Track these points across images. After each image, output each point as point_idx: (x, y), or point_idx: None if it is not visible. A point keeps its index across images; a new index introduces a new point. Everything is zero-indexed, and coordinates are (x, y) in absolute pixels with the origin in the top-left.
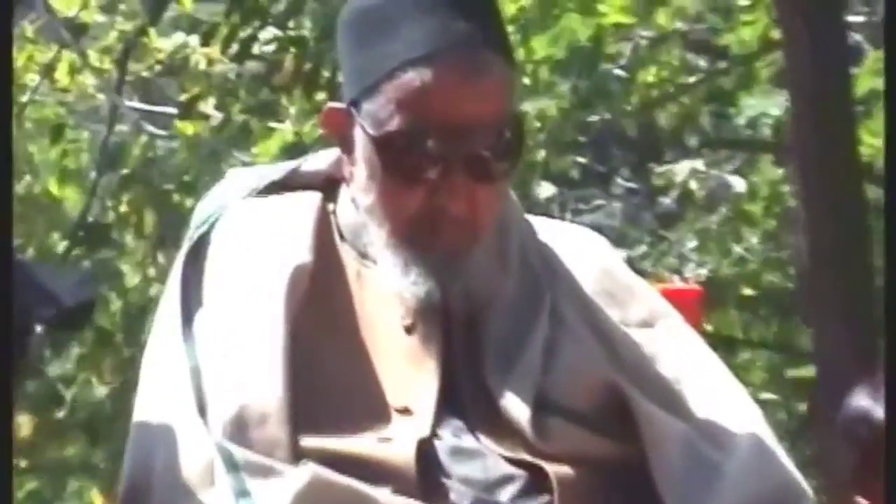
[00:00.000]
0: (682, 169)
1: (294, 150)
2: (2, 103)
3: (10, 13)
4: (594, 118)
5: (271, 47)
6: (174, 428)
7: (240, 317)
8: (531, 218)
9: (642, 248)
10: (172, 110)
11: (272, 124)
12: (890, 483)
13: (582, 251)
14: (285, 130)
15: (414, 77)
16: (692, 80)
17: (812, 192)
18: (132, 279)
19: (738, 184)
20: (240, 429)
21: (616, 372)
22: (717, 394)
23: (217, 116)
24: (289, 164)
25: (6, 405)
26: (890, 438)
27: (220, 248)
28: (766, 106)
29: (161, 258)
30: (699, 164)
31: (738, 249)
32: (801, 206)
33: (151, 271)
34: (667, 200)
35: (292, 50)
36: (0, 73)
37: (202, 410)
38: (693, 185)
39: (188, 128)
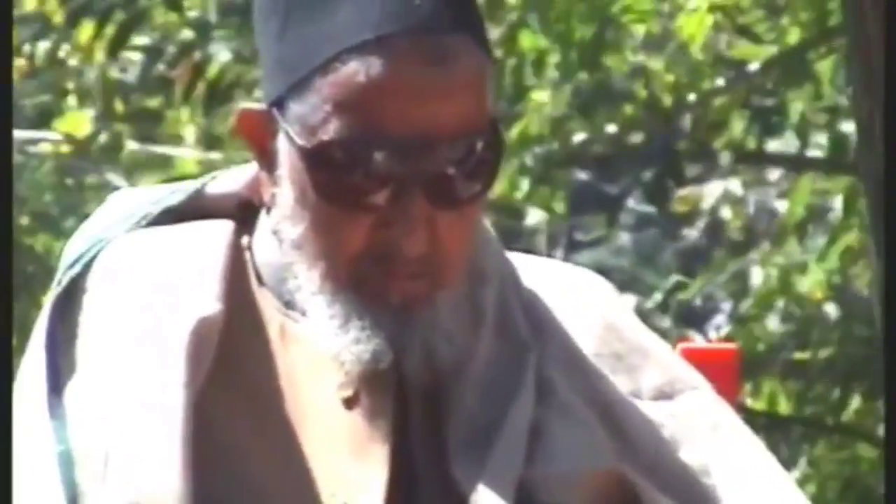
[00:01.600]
0: (711, 191)
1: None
2: (2, 103)
3: (9, 13)
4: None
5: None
6: None
7: (126, 386)
8: (513, 256)
9: (658, 297)
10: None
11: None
12: (890, 483)
13: (579, 300)
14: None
15: (357, 69)
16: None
17: (889, 225)
18: None
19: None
20: None
21: (624, 460)
22: (759, 489)
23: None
24: (190, 185)
25: (6, 405)
26: (890, 438)
27: (99, 296)
28: (822, 113)
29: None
30: (734, 185)
31: (783, 303)
32: (872, 241)
33: None
34: (692, 233)
35: (185, 35)
36: (0, 73)
37: None
38: (726, 212)
39: (59, 145)
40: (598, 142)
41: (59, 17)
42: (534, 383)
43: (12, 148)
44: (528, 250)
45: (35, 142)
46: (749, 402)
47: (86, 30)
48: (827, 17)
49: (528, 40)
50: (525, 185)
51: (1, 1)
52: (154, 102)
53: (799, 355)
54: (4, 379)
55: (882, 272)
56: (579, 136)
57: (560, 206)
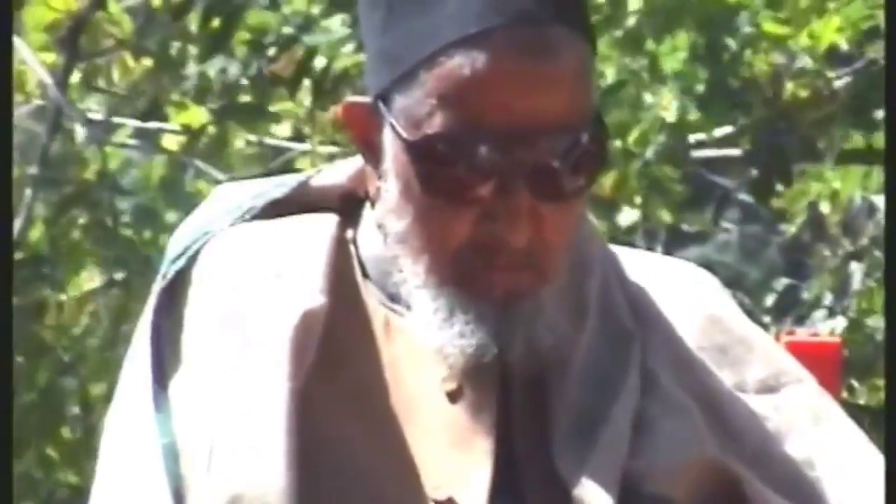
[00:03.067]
0: (811, 189)
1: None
2: (2, 103)
3: (9, 13)
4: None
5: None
6: None
7: (230, 379)
8: (616, 249)
9: (767, 294)
10: (135, 122)
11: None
12: (890, 482)
13: (684, 294)
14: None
15: (462, 62)
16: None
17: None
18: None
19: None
20: None
21: (728, 453)
22: (864, 482)
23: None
24: (294, 178)
25: (6, 405)
26: (890, 439)
27: (204, 289)
28: None
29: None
30: (833, 182)
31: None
32: None
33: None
34: (791, 229)
35: (286, 31)
36: (0, 73)
37: (179, 501)
38: (825, 208)
39: (173, 142)
40: (710, 144)
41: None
42: (638, 375)
43: (12, 147)
44: (629, 244)
45: (147, 133)
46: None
47: (191, 23)
48: None
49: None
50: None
51: (1, 1)
52: (257, 98)
53: None
54: (4, 379)
55: (885, 271)
56: (694, 138)
57: (666, 215)
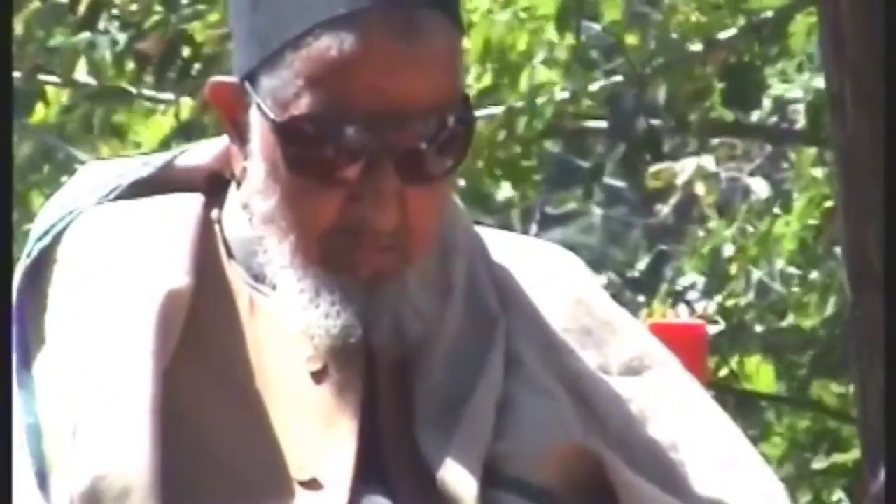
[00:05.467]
0: (685, 167)
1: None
2: (2, 102)
3: (9, 13)
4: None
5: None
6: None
7: (94, 358)
8: (482, 231)
9: (629, 273)
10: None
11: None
12: (890, 483)
13: (549, 275)
14: (159, 117)
15: (329, 44)
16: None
17: (856, 197)
18: None
19: (762, 188)
20: None
21: (591, 434)
22: (726, 464)
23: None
24: (160, 158)
25: (6, 405)
26: (890, 439)
27: (68, 268)
28: (800, 84)
29: None
30: (708, 161)
31: (760, 276)
32: (843, 216)
33: None
34: (664, 209)
35: (157, 9)
36: (0, 72)
37: (43, 481)
38: (700, 188)
39: (43, 113)
40: (575, 106)
41: None
42: (502, 357)
43: (12, 147)
44: (502, 225)
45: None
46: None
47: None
48: None
49: None
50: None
51: (1, 1)
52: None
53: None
54: (4, 379)
55: (885, 271)
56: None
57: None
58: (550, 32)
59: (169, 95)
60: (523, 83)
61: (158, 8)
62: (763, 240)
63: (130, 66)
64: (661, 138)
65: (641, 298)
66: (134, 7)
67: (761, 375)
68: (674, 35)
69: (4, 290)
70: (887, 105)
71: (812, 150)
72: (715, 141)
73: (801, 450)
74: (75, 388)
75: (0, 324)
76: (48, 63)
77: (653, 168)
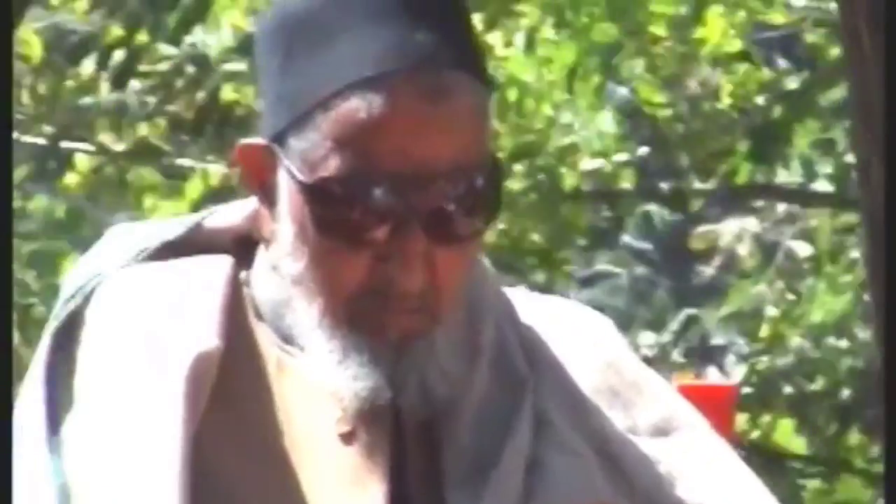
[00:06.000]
0: (728, 228)
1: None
2: (2, 102)
3: (9, 13)
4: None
5: (163, 66)
6: None
7: (124, 421)
8: (510, 292)
9: (656, 337)
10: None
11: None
12: (890, 480)
13: (577, 336)
14: (193, 179)
15: (358, 105)
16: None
17: (884, 259)
18: None
19: (803, 249)
20: None
21: (621, 496)
22: None
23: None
24: (189, 219)
25: (6, 405)
26: (890, 435)
27: (98, 330)
28: (824, 149)
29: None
30: (751, 223)
31: (795, 338)
32: (871, 280)
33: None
34: (708, 270)
35: (189, 70)
36: (0, 73)
37: None
38: (742, 249)
39: (73, 179)
40: (604, 173)
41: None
42: (531, 418)
43: (12, 148)
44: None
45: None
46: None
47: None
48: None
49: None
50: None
51: (1, 1)
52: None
53: (805, 388)
54: (4, 379)
55: (885, 270)
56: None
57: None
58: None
59: (195, 161)
60: (552, 145)
61: (190, 69)
62: (802, 303)
63: (159, 127)
64: (688, 198)
65: (677, 357)
66: (163, 67)
67: (790, 438)
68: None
69: (5, 290)
70: (887, 110)
71: (832, 214)
72: (758, 203)
73: None
74: (105, 451)
75: (1, 325)
76: (76, 123)
77: (697, 230)
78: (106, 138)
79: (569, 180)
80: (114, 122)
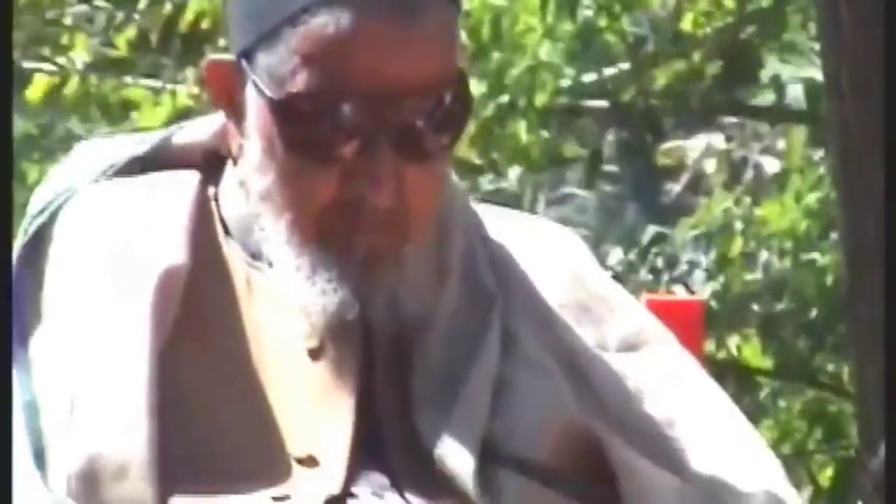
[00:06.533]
0: (696, 145)
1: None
2: (2, 102)
3: (9, 13)
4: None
5: None
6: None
7: (91, 336)
8: (480, 208)
9: (622, 254)
10: None
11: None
12: (890, 480)
13: (545, 251)
14: (159, 94)
15: (326, 21)
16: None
17: (853, 178)
18: None
19: (771, 165)
20: (90, 484)
21: (588, 410)
22: (723, 441)
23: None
24: (156, 136)
25: (6, 405)
26: (890, 437)
27: (65, 245)
28: (798, 66)
29: None
30: (718, 140)
31: (763, 253)
32: (841, 198)
33: None
34: (676, 187)
35: None
36: (0, 73)
37: (40, 459)
38: (709, 166)
39: (40, 86)
40: (578, 91)
41: None
42: (499, 335)
43: (12, 148)
44: (507, 205)
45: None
46: (721, 354)
47: None
48: None
49: None
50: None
51: (1, 2)
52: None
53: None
54: (4, 379)
55: (885, 270)
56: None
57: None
58: (549, 15)
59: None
60: (523, 62)
61: None
62: (764, 220)
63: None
64: (661, 120)
65: (643, 275)
66: None
67: (758, 356)
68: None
69: (5, 290)
70: (887, 101)
71: (803, 130)
72: (725, 120)
73: (798, 429)
74: (72, 365)
75: (1, 325)
76: (43, 36)
77: (663, 146)
78: (74, 53)
79: (539, 100)
80: (80, 37)
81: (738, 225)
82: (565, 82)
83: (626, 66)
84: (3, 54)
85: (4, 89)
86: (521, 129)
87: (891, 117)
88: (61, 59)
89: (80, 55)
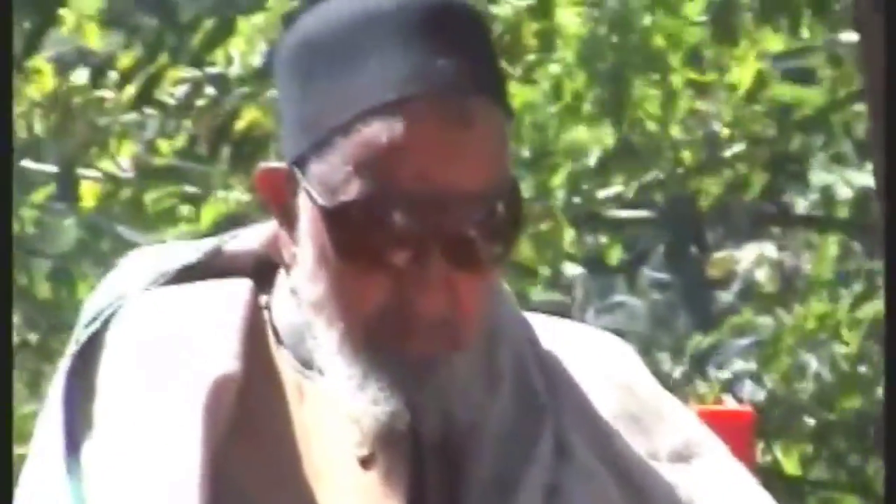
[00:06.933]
0: (746, 254)
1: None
2: (2, 102)
3: (9, 13)
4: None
5: (183, 89)
6: None
7: (143, 445)
8: (530, 317)
9: (671, 362)
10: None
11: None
12: (890, 481)
13: (597, 361)
14: (214, 200)
15: (379, 130)
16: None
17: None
18: None
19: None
20: None
21: None
22: None
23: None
24: (208, 243)
25: (6, 405)
26: (890, 437)
27: (117, 354)
28: (844, 175)
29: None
30: (769, 248)
31: (812, 363)
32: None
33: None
34: (727, 296)
35: (208, 92)
36: (0, 73)
37: None
38: (760, 275)
39: (90, 194)
40: (620, 200)
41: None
42: (551, 443)
43: (13, 148)
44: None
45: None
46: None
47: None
48: (850, 80)
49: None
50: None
51: (1, 2)
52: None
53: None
54: (4, 379)
55: (885, 269)
56: (603, 193)
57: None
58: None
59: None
60: (562, 174)
61: (209, 90)
62: (816, 330)
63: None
64: (703, 229)
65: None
66: (181, 90)
67: (798, 465)
68: (717, 129)
69: (5, 290)
70: (887, 108)
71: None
72: (775, 230)
73: None
74: (124, 475)
75: (0, 325)
76: (94, 142)
77: (715, 255)
78: (123, 161)
79: (585, 206)
80: (128, 145)
81: (789, 336)
82: (612, 191)
83: (667, 174)
84: (4, 54)
85: (4, 90)
86: (567, 233)
87: (891, 117)
88: (108, 165)
89: (126, 161)
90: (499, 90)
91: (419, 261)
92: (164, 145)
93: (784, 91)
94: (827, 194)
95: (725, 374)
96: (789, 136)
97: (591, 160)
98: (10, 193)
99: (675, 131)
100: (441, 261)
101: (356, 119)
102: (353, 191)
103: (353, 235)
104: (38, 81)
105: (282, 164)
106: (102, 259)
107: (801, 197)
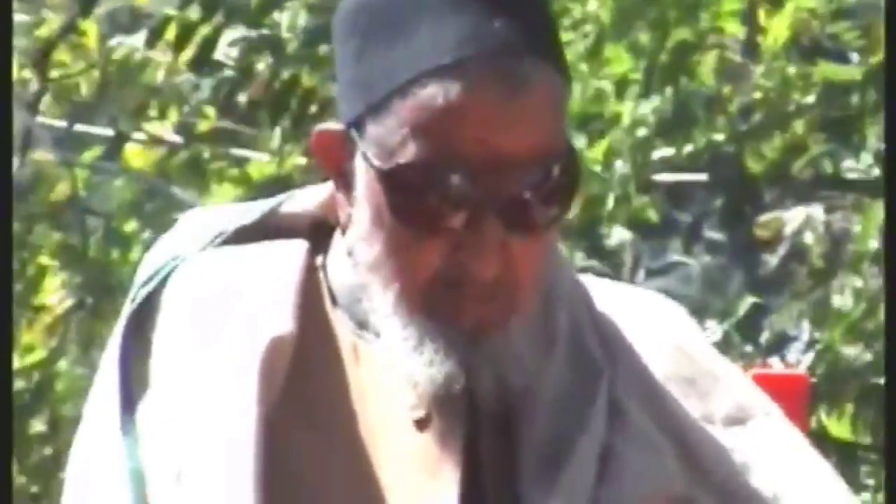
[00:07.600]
0: (794, 216)
1: (267, 190)
2: (2, 103)
3: (9, 13)
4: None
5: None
6: None
7: (198, 404)
8: (586, 279)
9: (727, 324)
10: (105, 131)
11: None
12: (890, 481)
13: (652, 324)
14: (258, 163)
15: (435, 92)
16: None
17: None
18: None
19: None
20: None
21: (695, 486)
22: None
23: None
24: (265, 204)
25: (6, 405)
26: (890, 438)
27: (173, 313)
28: None
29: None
30: (817, 211)
31: (868, 325)
32: None
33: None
34: (773, 259)
35: (265, 55)
36: (0, 73)
37: None
38: (808, 237)
39: (137, 156)
40: (675, 163)
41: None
42: (605, 406)
43: (12, 149)
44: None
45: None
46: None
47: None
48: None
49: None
50: (609, 201)
51: (1, 1)
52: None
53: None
54: (4, 379)
55: (885, 270)
56: (658, 154)
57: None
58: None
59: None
60: (617, 138)
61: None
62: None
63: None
64: (760, 189)
65: (747, 348)
66: (236, 52)
67: (850, 430)
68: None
69: (5, 290)
70: (886, 109)
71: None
72: (824, 192)
73: None
74: (179, 434)
75: (0, 325)
76: (148, 103)
77: (761, 218)
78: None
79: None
80: (176, 109)
81: (838, 297)
82: (666, 152)
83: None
84: (3, 54)
85: (4, 90)
86: (632, 191)
87: (890, 115)
88: (156, 128)
89: (173, 126)
90: (555, 52)
91: (474, 224)
92: (212, 110)
93: (827, 70)
94: (880, 159)
95: (772, 337)
96: (842, 102)
97: (644, 126)
98: (10, 192)
99: (727, 91)
100: (496, 224)
101: (413, 81)
102: (409, 153)
103: (408, 198)
104: (86, 45)
105: (339, 126)
106: (155, 220)
107: (853, 160)
